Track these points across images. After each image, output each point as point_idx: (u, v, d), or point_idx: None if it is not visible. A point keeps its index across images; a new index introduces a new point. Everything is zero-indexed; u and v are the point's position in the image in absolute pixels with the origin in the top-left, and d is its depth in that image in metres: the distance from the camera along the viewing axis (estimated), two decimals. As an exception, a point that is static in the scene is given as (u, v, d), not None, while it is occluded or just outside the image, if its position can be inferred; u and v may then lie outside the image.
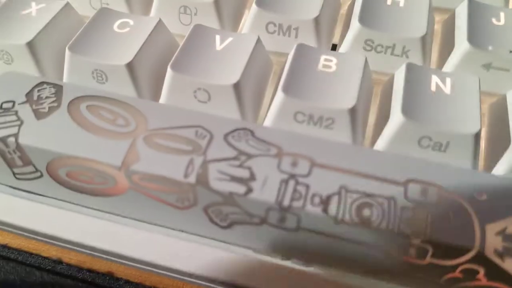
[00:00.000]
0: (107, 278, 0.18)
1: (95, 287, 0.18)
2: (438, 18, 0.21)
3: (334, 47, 0.21)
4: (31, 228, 0.18)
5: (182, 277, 0.17)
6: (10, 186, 0.18)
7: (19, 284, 0.18)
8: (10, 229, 0.18)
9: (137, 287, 0.18)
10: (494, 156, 0.17)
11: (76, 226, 0.18)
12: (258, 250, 0.17)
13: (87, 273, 0.18)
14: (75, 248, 0.18)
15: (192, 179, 0.15)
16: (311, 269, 0.16)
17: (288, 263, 0.17)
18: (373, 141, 0.17)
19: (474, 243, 0.14)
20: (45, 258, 0.19)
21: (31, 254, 0.19)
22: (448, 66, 0.19)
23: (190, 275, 0.17)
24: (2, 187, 0.18)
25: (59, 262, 0.19)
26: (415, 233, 0.14)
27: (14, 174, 0.18)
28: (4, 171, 0.18)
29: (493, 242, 0.14)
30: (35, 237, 0.18)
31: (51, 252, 0.19)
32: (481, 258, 0.14)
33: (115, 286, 0.18)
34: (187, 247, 0.17)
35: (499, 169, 0.16)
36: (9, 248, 0.19)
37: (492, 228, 0.14)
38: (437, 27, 0.21)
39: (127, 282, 0.18)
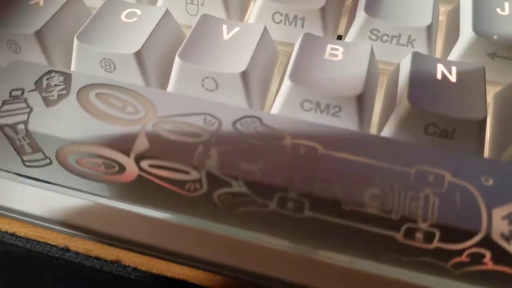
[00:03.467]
0: (115, 265, 0.18)
1: (103, 275, 0.18)
2: (443, 8, 0.21)
3: (339, 39, 0.21)
4: (39, 215, 0.18)
5: (189, 262, 0.17)
6: (19, 174, 0.18)
7: (28, 270, 0.18)
8: (18, 216, 0.19)
9: (145, 274, 0.18)
10: (499, 143, 0.17)
11: (84, 212, 0.18)
12: (266, 235, 0.17)
13: (95, 260, 0.19)
14: (84, 234, 0.18)
15: (201, 165, 0.16)
16: (318, 254, 0.17)
17: (295, 248, 0.17)
18: (379, 129, 0.18)
19: (480, 227, 0.14)
20: (52, 246, 0.19)
21: (38, 242, 0.19)
22: (453, 55, 0.19)
23: (197, 260, 0.17)
24: (10, 175, 0.19)
25: (67, 250, 0.19)
26: (422, 217, 0.14)
27: (23, 161, 0.18)
28: (13, 158, 0.18)
29: (499, 226, 0.14)
30: (43, 224, 0.18)
31: (58, 240, 0.19)
32: (487, 241, 0.14)
33: (123, 274, 0.18)
34: (194, 232, 0.17)
35: (505, 156, 0.16)
36: (17, 236, 0.19)
37: (499, 212, 0.14)
38: (442, 18, 0.21)
39: (135, 269, 0.18)
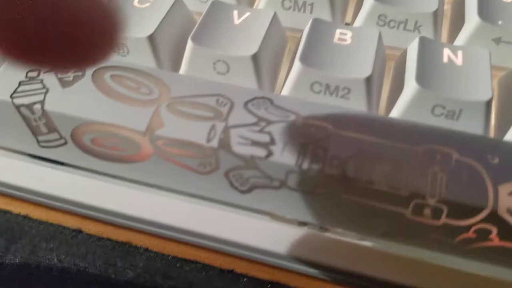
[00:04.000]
0: (127, 246, 0.19)
1: (117, 252, 0.19)
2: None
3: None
4: (53, 194, 0.18)
5: (200, 240, 0.18)
6: (34, 156, 0.19)
7: (44, 246, 0.18)
8: (32, 196, 0.19)
9: (156, 255, 0.19)
10: (504, 126, 0.17)
11: (98, 191, 0.18)
12: (275, 215, 0.17)
13: (108, 241, 0.19)
14: (97, 214, 0.18)
15: (214, 143, 0.16)
16: (327, 234, 0.17)
17: (304, 229, 0.17)
18: (387, 111, 0.18)
19: (487, 202, 0.15)
20: (65, 227, 0.19)
21: (51, 224, 0.19)
22: (459, 41, 0.19)
23: (209, 238, 0.17)
24: (23, 156, 0.19)
25: (79, 231, 0.19)
26: (430, 193, 0.15)
27: (38, 142, 0.18)
28: (27, 139, 0.18)
29: (505, 202, 0.15)
30: (57, 204, 0.19)
31: (70, 222, 0.19)
32: (494, 217, 0.15)
33: (135, 253, 0.19)
34: (207, 212, 0.17)
35: (510, 137, 0.17)
36: (29, 218, 0.20)
37: (505, 189, 0.15)
38: (447, 5, 0.22)
39: (146, 250, 0.19)
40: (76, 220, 0.19)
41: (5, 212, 0.20)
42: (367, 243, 0.17)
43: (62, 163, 0.19)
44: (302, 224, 0.17)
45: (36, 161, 0.19)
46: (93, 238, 0.19)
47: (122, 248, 0.19)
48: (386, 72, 0.20)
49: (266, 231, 0.17)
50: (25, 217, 0.20)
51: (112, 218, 0.18)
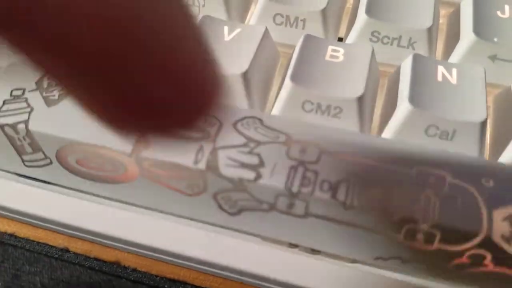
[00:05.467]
0: (115, 266, 0.18)
1: (103, 275, 0.18)
2: (443, 11, 0.22)
3: (339, 41, 0.21)
4: (39, 215, 0.18)
5: (189, 263, 0.17)
6: (19, 174, 0.18)
7: (28, 270, 0.18)
8: (17, 216, 0.18)
9: (144, 275, 0.18)
10: (499, 146, 0.17)
11: (84, 212, 0.18)
12: (265, 237, 0.17)
13: (94, 261, 0.18)
14: (83, 235, 0.18)
15: (202, 165, 0.16)
16: (318, 257, 0.17)
17: (295, 251, 0.17)
18: (380, 131, 0.18)
19: (481, 228, 0.14)
20: (52, 246, 0.19)
21: (38, 243, 0.19)
22: (454, 58, 0.19)
23: (197, 261, 0.17)
24: (9, 175, 0.19)
25: (66, 250, 0.19)
26: (423, 218, 0.14)
27: (23, 161, 0.18)
28: (12, 158, 0.18)
29: (500, 227, 0.14)
30: (43, 224, 0.18)
31: (58, 241, 0.19)
32: (488, 243, 0.14)
33: (123, 274, 0.18)
34: (195, 234, 0.17)
35: (505, 157, 0.16)
36: (16, 237, 0.19)
37: (499, 214, 0.15)
38: (442, 21, 0.22)
39: (134, 270, 0.18)
40: (64, 238, 0.19)
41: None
42: (359, 266, 0.16)
43: (49, 182, 0.18)
44: (293, 246, 0.17)
45: (22, 179, 0.19)
46: (80, 258, 0.18)
47: (109, 269, 0.18)
48: (379, 89, 0.19)
49: (256, 254, 0.17)
50: (11, 235, 0.19)
51: (99, 240, 0.18)
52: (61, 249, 0.19)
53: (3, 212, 0.19)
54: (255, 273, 0.17)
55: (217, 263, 0.17)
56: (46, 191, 0.18)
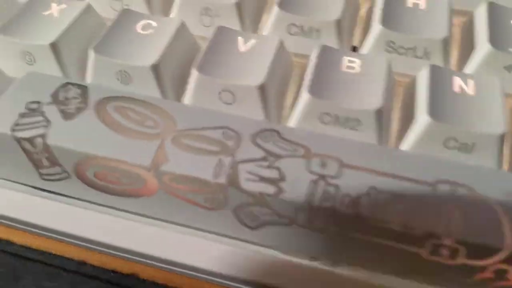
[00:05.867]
0: (133, 279, 0.18)
1: (120, 288, 0.18)
2: (456, 21, 0.21)
3: (353, 49, 0.21)
4: (56, 229, 0.18)
5: (208, 277, 0.17)
6: (35, 187, 0.18)
7: (45, 285, 0.18)
8: (34, 229, 0.18)
9: None
10: (517, 157, 0.17)
11: (101, 226, 0.18)
12: (286, 251, 0.17)
13: (112, 274, 0.18)
14: (101, 248, 0.18)
15: (222, 179, 0.16)
16: (339, 270, 0.16)
17: (316, 264, 0.17)
18: (398, 142, 0.18)
19: (504, 242, 0.14)
20: (68, 259, 0.19)
21: (54, 255, 0.19)
22: (469, 68, 0.19)
23: (217, 275, 0.17)
24: (25, 187, 0.18)
25: (83, 263, 0.19)
26: (446, 233, 0.14)
27: (40, 174, 0.18)
28: (29, 171, 0.18)
29: (523, 242, 0.14)
30: (60, 237, 0.18)
31: (74, 253, 0.19)
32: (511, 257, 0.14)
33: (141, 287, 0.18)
34: (215, 248, 0.17)
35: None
36: (32, 249, 0.19)
37: (522, 228, 0.15)
38: (456, 30, 0.21)
39: (153, 283, 0.18)
40: (81, 251, 0.19)
41: (8, 242, 0.19)
42: (379, 280, 0.16)
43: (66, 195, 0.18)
44: (313, 258, 0.17)
45: (39, 192, 0.18)
46: (97, 271, 0.18)
47: (127, 282, 0.18)
48: (395, 98, 0.19)
49: (276, 267, 0.17)
50: (27, 248, 0.19)
51: (117, 253, 0.18)
52: (78, 262, 0.19)
53: (19, 226, 0.19)
54: (275, 285, 0.17)
55: (236, 276, 0.17)
56: (62, 204, 0.18)
